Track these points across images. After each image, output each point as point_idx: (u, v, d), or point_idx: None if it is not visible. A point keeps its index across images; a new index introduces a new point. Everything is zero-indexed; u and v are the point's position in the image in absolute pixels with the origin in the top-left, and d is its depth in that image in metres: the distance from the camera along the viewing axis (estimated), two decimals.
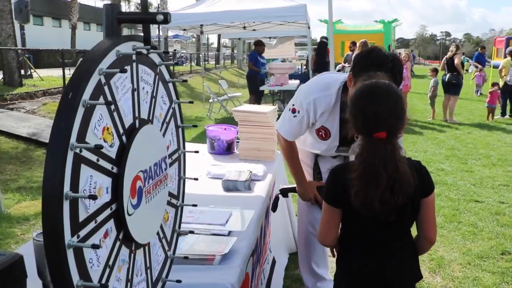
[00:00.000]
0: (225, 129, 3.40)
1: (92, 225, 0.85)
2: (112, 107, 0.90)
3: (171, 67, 9.31)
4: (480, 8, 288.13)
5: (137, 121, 1.03)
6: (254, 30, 11.48)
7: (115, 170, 0.92)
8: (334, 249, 1.80)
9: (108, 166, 0.90)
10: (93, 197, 0.80)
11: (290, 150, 2.37)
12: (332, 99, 2.12)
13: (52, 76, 13.52)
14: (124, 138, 0.96)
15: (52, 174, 0.75)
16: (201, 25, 10.65)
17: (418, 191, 1.49)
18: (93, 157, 0.84)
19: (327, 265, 2.79)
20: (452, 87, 9.47)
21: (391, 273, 1.58)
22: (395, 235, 1.60)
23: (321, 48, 10.57)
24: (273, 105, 11.01)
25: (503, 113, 10.16)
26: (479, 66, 14.95)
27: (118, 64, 0.91)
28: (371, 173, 1.39)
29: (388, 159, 1.39)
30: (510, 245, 3.52)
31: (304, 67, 13.92)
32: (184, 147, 1.38)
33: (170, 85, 1.24)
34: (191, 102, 1.49)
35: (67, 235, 0.77)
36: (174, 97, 1.27)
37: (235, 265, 1.57)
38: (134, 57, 0.99)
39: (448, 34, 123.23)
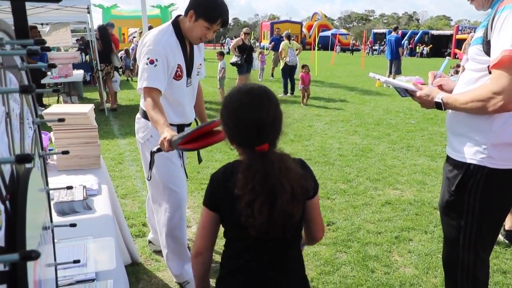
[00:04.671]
0: None
1: None
2: None
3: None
4: None
5: (14, 169, 0.60)
6: None
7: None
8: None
9: None
10: None
11: (156, 105, 2.32)
12: (173, 36, 2.46)
13: None
14: (8, 204, 0.54)
15: None
16: None
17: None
18: None
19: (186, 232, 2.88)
20: (237, 68, 10.72)
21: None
22: (285, 247, 1.42)
23: (105, 36, 9.62)
24: (58, 98, 9.79)
25: (285, 92, 11.34)
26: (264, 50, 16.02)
27: None
28: (270, 186, 1.23)
29: (282, 167, 1.26)
30: (331, 215, 3.90)
31: (84, 55, 12.74)
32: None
33: (30, 97, 0.80)
34: None
35: None
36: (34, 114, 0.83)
37: None
38: (1, 58, 0.56)
39: None
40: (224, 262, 1.45)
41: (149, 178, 2.56)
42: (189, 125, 2.73)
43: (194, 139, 1.89)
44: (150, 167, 2.47)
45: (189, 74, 2.59)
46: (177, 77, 2.50)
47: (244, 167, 1.27)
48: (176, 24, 2.49)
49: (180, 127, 2.63)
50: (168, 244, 2.77)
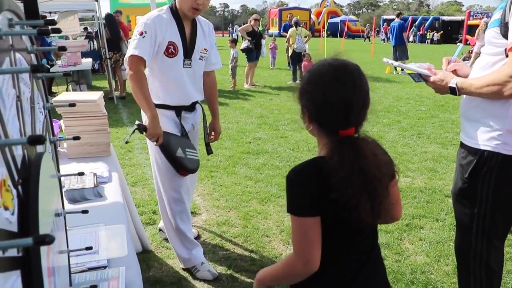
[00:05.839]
0: None
1: None
2: (2, 136, 0.47)
3: None
4: None
5: (26, 153, 0.59)
6: None
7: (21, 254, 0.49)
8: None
9: (13, 253, 0.47)
10: None
11: (141, 78, 2.44)
12: (168, 15, 2.53)
13: None
14: (20, 189, 0.53)
15: None
16: None
17: None
18: None
19: (191, 222, 2.93)
20: (246, 54, 10.65)
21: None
22: (370, 236, 1.29)
23: (112, 24, 9.56)
24: (67, 87, 9.82)
25: (294, 79, 11.26)
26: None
27: None
28: (363, 177, 1.09)
29: (372, 155, 1.12)
30: None
31: (91, 42, 12.74)
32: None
33: (40, 80, 0.78)
34: None
35: None
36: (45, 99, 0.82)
37: None
38: (11, 39, 0.54)
39: (226, 5, 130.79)
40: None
41: (126, 142, 2.70)
42: (189, 107, 2.71)
43: None
44: (132, 133, 2.60)
45: (187, 55, 2.59)
46: (170, 54, 2.52)
47: (333, 155, 1.12)
48: (174, 5, 2.57)
49: (178, 110, 2.65)
50: (173, 230, 2.81)
